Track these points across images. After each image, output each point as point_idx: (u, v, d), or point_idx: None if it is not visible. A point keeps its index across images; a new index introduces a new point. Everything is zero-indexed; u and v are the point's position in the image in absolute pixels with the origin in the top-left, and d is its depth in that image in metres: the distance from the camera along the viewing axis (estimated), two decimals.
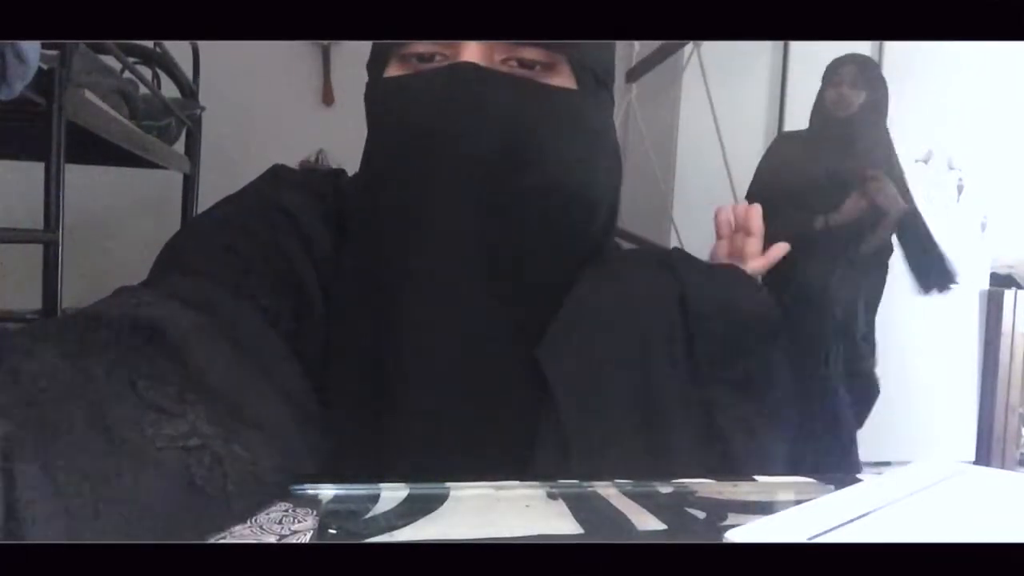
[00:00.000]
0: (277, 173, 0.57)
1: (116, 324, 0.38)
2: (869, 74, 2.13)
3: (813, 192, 2.07)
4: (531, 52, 0.50)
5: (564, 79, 0.52)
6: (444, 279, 0.49)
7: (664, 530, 0.36)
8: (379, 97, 0.53)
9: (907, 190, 2.18)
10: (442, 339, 0.49)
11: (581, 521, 0.36)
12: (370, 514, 0.36)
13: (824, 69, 2.18)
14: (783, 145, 2.26)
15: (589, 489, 0.42)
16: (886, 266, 2.19)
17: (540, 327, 0.51)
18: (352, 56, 2.74)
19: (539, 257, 0.51)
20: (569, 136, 0.52)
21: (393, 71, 0.52)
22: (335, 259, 0.53)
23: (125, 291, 0.44)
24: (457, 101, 0.48)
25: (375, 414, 0.50)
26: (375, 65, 0.53)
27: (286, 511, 0.35)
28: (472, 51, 0.49)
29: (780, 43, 2.59)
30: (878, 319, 2.16)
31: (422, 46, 0.50)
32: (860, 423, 2.04)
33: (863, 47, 2.63)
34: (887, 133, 2.20)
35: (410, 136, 0.49)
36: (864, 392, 2.06)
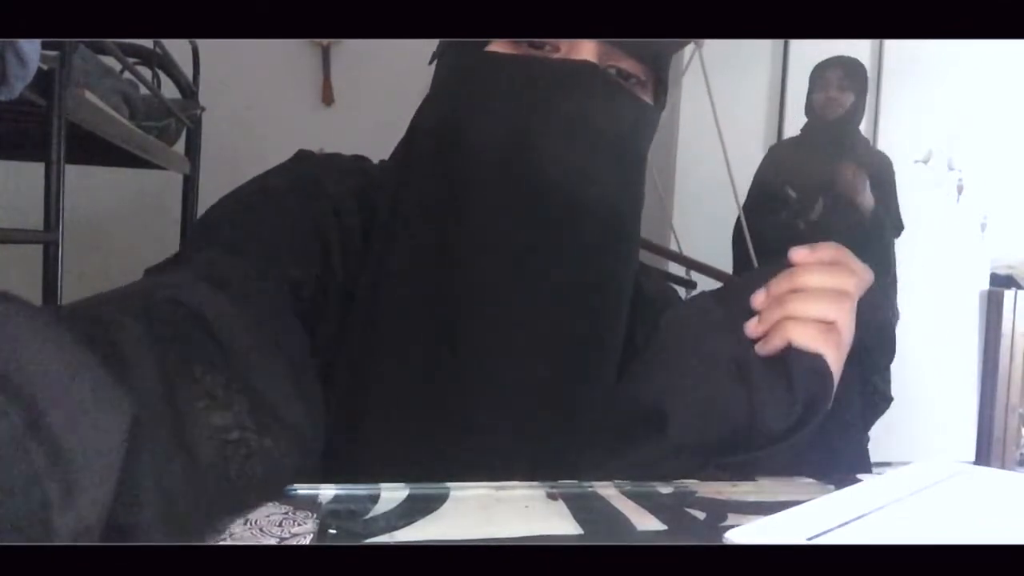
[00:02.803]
0: (303, 154, 0.58)
1: (165, 308, 0.37)
2: (856, 76, 2.18)
3: (811, 194, 2.11)
4: (631, 65, 0.52)
5: (648, 95, 0.54)
6: (528, 265, 0.50)
7: (664, 530, 0.36)
8: (480, 69, 0.51)
9: (894, 187, 2.21)
10: (512, 331, 0.50)
11: (581, 521, 0.36)
12: (370, 514, 0.36)
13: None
14: (778, 153, 2.29)
15: (589, 489, 0.42)
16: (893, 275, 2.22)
17: (589, 332, 0.52)
18: (352, 56, 2.75)
19: (596, 261, 0.52)
20: (641, 149, 0.55)
21: (500, 47, 0.51)
22: (363, 237, 0.53)
23: (158, 271, 0.44)
24: (579, 97, 0.49)
25: (396, 393, 0.50)
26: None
27: (286, 514, 0.35)
28: (589, 51, 0.50)
29: (780, 43, 2.60)
30: None
31: None
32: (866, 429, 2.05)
33: (863, 46, 2.64)
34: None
35: (522, 115, 0.49)
36: (875, 402, 2.07)
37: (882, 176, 2.20)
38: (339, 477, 0.40)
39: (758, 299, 0.49)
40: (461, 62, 0.53)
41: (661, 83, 0.55)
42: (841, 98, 2.16)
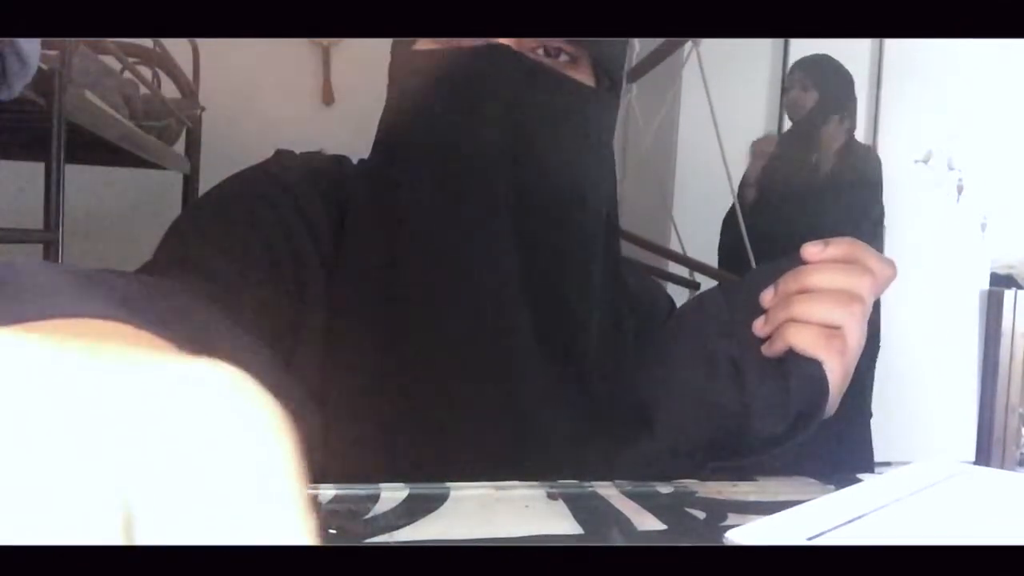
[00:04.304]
0: (280, 156, 0.58)
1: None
2: (816, 73, 2.17)
3: (785, 192, 2.15)
4: (559, 41, 0.50)
5: (584, 76, 0.52)
6: (468, 260, 0.49)
7: (664, 530, 0.36)
8: (408, 69, 0.51)
9: (879, 189, 2.23)
10: (463, 328, 0.49)
11: (581, 521, 0.36)
12: (370, 514, 0.36)
13: None
14: (760, 147, 2.33)
15: (589, 489, 0.42)
16: None
17: (554, 327, 0.51)
18: (352, 56, 2.75)
19: (549, 251, 0.50)
20: (584, 132, 0.52)
21: (424, 44, 0.51)
22: (335, 240, 0.53)
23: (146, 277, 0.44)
24: (491, 82, 0.48)
25: (379, 393, 0.50)
26: (403, 41, 0.52)
27: None
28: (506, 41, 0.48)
29: (780, 43, 2.60)
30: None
31: None
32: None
33: (863, 45, 2.64)
34: (850, 126, 2.24)
35: (441, 110, 0.49)
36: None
37: (867, 172, 2.21)
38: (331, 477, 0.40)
39: (766, 297, 0.48)
40: (392, 64, 0.53)
41: (602, 65, 0.52)
42: (802, 98, 2.16)
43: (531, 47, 0.49)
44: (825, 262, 0.46)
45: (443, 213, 0.49)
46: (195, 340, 0.24)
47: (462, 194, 0.48)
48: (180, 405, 0.12)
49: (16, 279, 0.23)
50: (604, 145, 0.55)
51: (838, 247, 0.47)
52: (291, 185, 0.53)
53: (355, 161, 0.59)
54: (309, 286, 0.51)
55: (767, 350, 0.47)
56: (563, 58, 0.50)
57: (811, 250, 0.47)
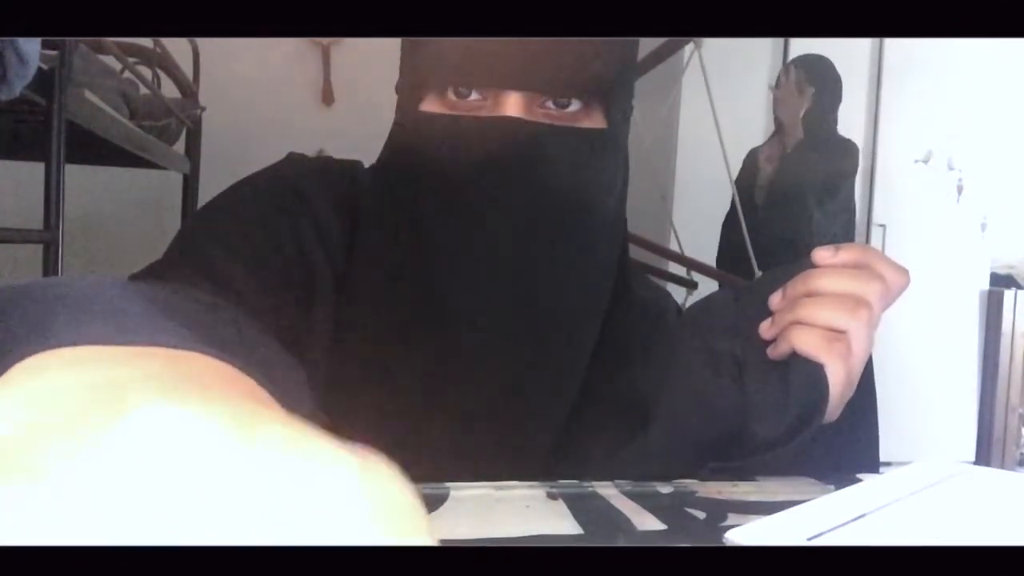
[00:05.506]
0: (293, 160, 0.57)
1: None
2: (812, 71, 2.21)
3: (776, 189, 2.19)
4: (568, 92, 0.49)
5: (596, 120, 0.51)
6: (479, 274, 0.49)
7: (664, 530, 0.36)
8: (415, 131, 0.51)
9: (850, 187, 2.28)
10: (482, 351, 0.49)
11: (581, 521, 0.36)
12: None
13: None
14: (751, 156, 2.36)
15: (589, 489, 0.42)
16: None
17: (563, 342, 0.51)
18: (352, 56, 2.75)
19: (559, 266, 0.50)
20: (601, 172, 0.52)
21: (430, 106, 0.50)
22: (346, 248, 0.53)
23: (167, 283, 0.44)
24: (503, 157, 0.47)
25: (386, 397, 0.50)
26: (408, 93, 0.51)
27: None
28: (514, 104, 0.47)
29: (780, 43, 2.60)
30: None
31: (459, 81, 0.48)
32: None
33: (863, 44, 2.64)
34: (834, 125, 2.26)
35: (450, 179, 0.48)
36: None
37: (844, 164, 2.24)
38: None
39: (775, 300, 0.48)
40: (399, 118, 0.52)
41: (613, 105, 0.51)
42: (796, 97, 2.20)
43: (542, 103, 0.48)
44: (835, 266, 0.46)
45: (455, 226, 0.48)
46: (248, 361, 0.23)
47: (475, 207, 0.48)
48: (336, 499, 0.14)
49: (79, 294, 0.23)
50: (622, 168, 0.54)
51: (849, 252, 0.47)
52: (304, 192, 0.53)
53: (366, 165, 0.59)
54: (319, 293, 0.51)
55: (772, 352, 0.47)
56: (573, 107, 0.49)
57: (822, 254, 0.47)
